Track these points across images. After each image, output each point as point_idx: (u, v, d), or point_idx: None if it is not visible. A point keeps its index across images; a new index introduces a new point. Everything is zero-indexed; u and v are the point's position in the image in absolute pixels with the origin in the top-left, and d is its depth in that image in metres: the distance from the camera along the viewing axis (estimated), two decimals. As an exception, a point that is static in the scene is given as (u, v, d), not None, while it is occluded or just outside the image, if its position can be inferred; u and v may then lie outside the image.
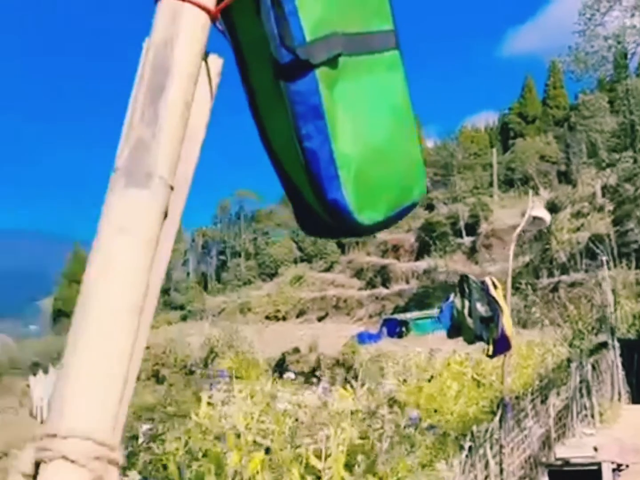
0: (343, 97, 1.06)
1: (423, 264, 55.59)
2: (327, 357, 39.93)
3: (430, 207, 62.07)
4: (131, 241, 0.93)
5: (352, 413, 4.56)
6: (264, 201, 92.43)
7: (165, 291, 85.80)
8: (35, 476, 0.90)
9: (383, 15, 1.16)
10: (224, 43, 1.11)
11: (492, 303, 5.36)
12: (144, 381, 66.08)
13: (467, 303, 5.26)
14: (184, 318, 77.39)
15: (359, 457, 3.84)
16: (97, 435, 0.89)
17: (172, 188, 0.97)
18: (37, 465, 0.90)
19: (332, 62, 1.03)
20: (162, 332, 70.73)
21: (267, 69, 1.07)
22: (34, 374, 64.52)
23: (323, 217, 1.09)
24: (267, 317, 64.80)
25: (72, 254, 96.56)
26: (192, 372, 55.59)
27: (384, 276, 57.90)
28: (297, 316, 62.84)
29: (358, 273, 61.89)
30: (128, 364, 0.94)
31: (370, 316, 53.82)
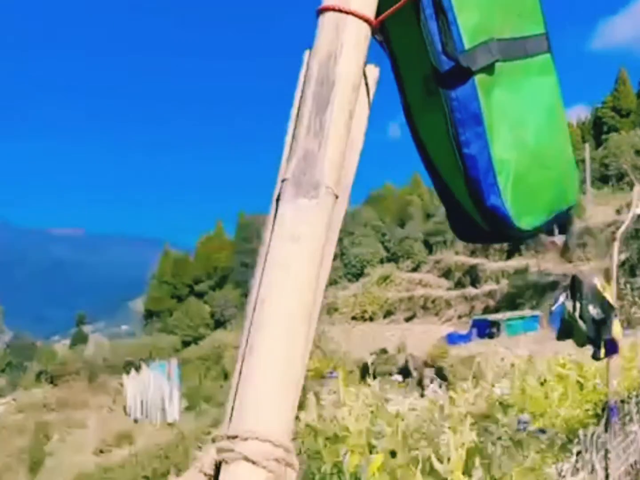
0: (499, 103, 1.06)
1: (514, 263, 54.50)
2: (415, 357, 39.66)
3: (519, 205, 60.83)
4: (302, 249, 0.96)
5: (465, 416, 4.53)
6: (349, 201, 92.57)
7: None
8: (216, 476, 0.93)
9: (536, 19, 1.16)
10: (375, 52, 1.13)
11: (604, 304, 5.23)
12: (234, 380, 67.17)
13: (578, 305, 5.13)
14: (272, 318, 78.26)
15: (477, 461, 3.81)
16: (275, 438, 0.92)
17: (336, 197, 1.00)
18: (218, 465, 0.93)
19: (489, 68, 1.04)
20: (250, 332, 71.85)
21: (419, 78, 1.08)
22: (127, 373, 66.40)
23: (480, 223, 1.09)
24: (353, 318, 64.86)
25: (162, 255, 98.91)
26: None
27: (473, 276, 57.08)
28: (384, 316, 62.64)
29: (446, 273, 61.24)
30: (302, 368, 0.97)
31: (459, 317, 53.17)
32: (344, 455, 3.97)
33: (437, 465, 3.75)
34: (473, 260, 58.85)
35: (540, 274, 49.41)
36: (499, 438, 4.29)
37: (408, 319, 59.02)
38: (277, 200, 1.02)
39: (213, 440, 0.96)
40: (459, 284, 57.97)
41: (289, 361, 0.95)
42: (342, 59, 0.99)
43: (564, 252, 52.17)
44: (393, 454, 3.86)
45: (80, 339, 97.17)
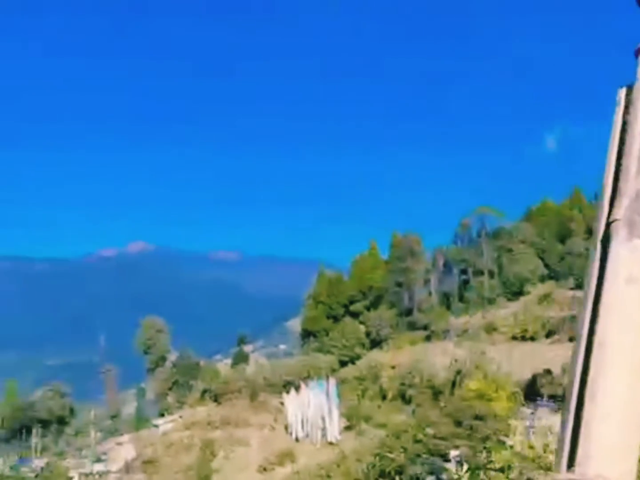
0: None
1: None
2: (582, 379, 37.77)
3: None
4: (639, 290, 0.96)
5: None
6: (506, 218, 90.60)
7: (408, 311, 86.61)
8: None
9: None
10: None
11: None
12: (391, 401, 66.86)
13: None
14: (427, 338, 77.62)
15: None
16: (623, 482, 0.92)
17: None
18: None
19: None
20: (406, 352, 71.48)
21: None
22: (287, 392, 67.67)
23: None
24: (513, 337, 63.08)
25: (318, 275, 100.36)
26: (440, 393, 55.39)
27: None
28: (547, 336, 60.50)
29: (612, 290, 58.46)
30: (643, 411, 0.96)
31: (628, 336, 50.51)
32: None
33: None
34: None
35: None
36: None
37: (572, 339, 56.65)
38: (604, 241, 1.02)
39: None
40: (627, 302, 55.15)
41: (633, 404, 0.94)
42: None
43: None
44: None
45: (241, 359, 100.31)
